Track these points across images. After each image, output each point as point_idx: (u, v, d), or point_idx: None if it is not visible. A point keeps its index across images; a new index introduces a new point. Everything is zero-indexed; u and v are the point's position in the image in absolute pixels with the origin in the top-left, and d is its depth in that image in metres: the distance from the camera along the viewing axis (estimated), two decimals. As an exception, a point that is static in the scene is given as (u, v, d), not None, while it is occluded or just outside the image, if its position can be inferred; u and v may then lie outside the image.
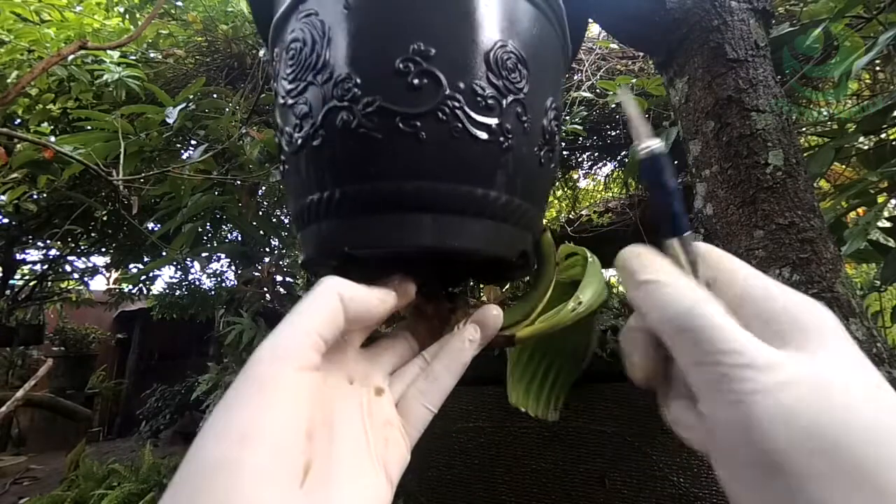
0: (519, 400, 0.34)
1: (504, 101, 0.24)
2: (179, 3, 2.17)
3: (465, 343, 0.27)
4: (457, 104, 0.23)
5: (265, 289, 2.49)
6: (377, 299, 0.24)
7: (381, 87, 0.23)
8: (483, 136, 0.24)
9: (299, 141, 0.25)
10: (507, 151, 0.25)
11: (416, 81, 0.23)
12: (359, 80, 0.23)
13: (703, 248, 0.24)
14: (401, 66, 0.23)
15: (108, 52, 1.61)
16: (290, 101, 0.26)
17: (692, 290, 0.21)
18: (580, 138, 2.36)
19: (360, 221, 0.24)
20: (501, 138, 0.24)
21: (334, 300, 0.22)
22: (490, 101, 0.24)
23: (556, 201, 3.30)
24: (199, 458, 0.18)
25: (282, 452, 0.18)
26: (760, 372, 0.18)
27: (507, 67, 0.24)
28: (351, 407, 0.24)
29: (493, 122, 0.24)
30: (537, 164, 0.27)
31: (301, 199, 0.27)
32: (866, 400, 0.17)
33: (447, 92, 0.23)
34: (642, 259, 0.23)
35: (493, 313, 0.27)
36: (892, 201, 1.37)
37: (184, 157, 1.95)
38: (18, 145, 1.63)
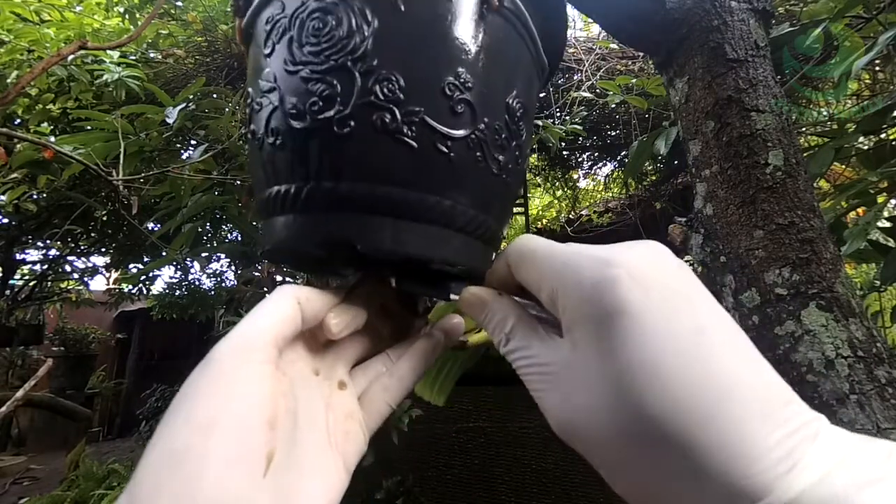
0: (418, 388, 0.37)
1: (511, 144, 0.28)
2: (179, 3, 2.17)
3: (431, 347, 0.29)
4: (483, 137, 0.26)
5: (265, 289, 2.49)
6: (332, 307, 0.26)
7: (426, 102, 0.24)
8: (494, 170, 0.27)
9: (314, 119, 0.24)
10: (505, 185, 0.28)
11: (458, 107, 0.25)
12: (404, 86, 0.24)
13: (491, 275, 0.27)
14: (447, 88, 0.24)
15: (108, 52, 1.61)
16: (307, 75, 0.24)
17: (503, 314, 0.24)
18: (580, 138, 2.36)
19: (374, 222, 0.24)
20: (504, 175, 0.27)
21: (291, 301, 0.24)
22: (503, 142, 0.27)
23: (556, 201, 3.30)
24: (163, 447, 0.18)
25: (245, 441, 0.19)
26: (543, 370, 0.21)
27: (517, 116, 0.28)
28: (314, 398, 0.25)
29: (502, 159, 0.27)
30: (514, 196, 0.32)
31: (292, 181, 0.25)
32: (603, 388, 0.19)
33: (479, 125, 0.25)
34: (474, 306, 0.26)
35: (456, 321, 0.30)
36: (892, 201, 1.37)
37: (184, 157, 1.95)
38: (18, 145, 1.63)
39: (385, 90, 0.23)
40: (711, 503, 0.16)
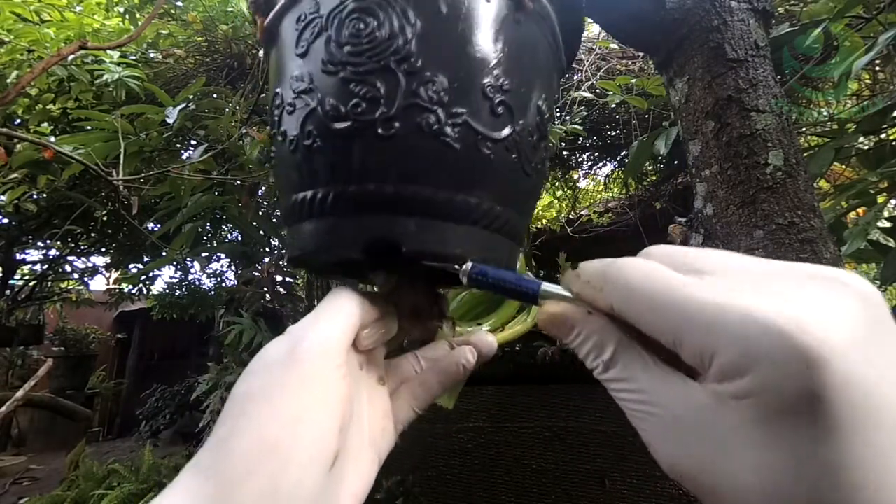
0: None
1: (541, 145, 0.28)
2: (179, 3, 2.17)
3: (460, 366, 0.29)
4: (518, 139, 0.26)
5: (265, 289, 2.49)
6: (376, 318, 0.26)
7: (468, 103, 0.24)
8: (527, 171, 0.27)
9: (357, 121, 0.24)
10: (534, 185, 0.29)
11: (498, 109, 0.25)
12: (447, 87, 0.24)
13: (577, 284, 0.22)
14: (487, 90, 0.25)
15: (108, 52, 1.61)
16: (349, 76, 0.24)
17: (604, 336, 0.21)
18: (580, 138, 2.36)
19: (420, 224, 0.24)
20: (534, 175, 0.28)
21: (355, 307, 0.25)
22: (535, 143, 0.27)
23: (556, 201, 3.30)
24: (256, 435, 0.19)
25: (322, 442, 0.21)
26: (659, 411, 0.18)
27: (545, 117, 0.28)
28: (361, 392, 0.26)
29: (533, 160, 0.27)
30: (538, 196, 0.33)
31: (332, 184, 0.25)
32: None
33: (515, 127, 0.25)
34: (565, 319, 0.22)
35: (489, 340, 0.30)
36: (892, 201, 1.37)
37: (184, 157, 1.95)
38: (18, 145, 1.63)
39: (430, 92, 0.23)
40: None
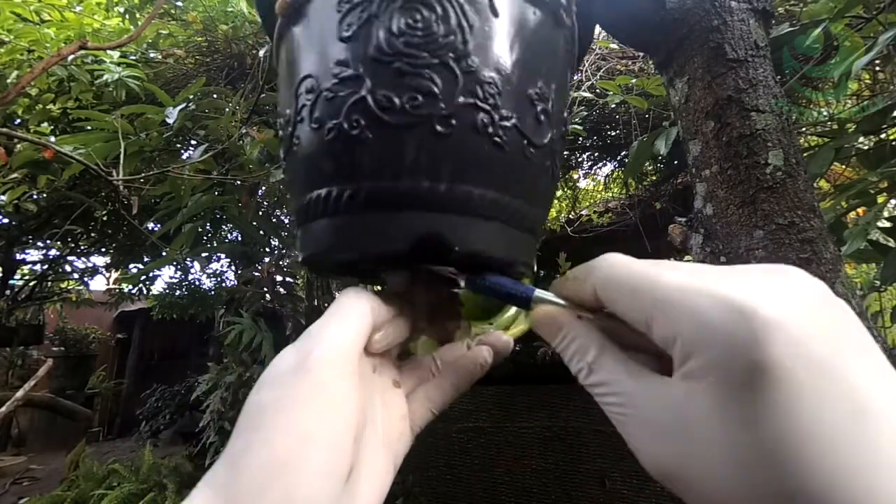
0: None
1: (562, 152, 0.30)
2: (179, 3, 2.17)
3: (477, 366, 0.29)
4: (552, 147, 0.27)
5: (265, 289, 2.49)
6: (388, 319, 0.26)
7: (517, 108, 0.25)
8: (555, 176, 0.29)
9: (412, 115, 0.23)
10: (555, 189, 0.31)
11: (541, 117, 0.26)
12: (500, 91, 0.24)
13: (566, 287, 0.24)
14: (533, 97, 0.25)
15: (108, 52, 1.61)
16: (404, 68, 0.23)
17: (587, 342, 0.22)
18: (580, 138, 2.36)
19: (471, 224, 0.24)
20: (556, 180, 0.30)
21: (368, 310, 0.24)
22: (560, 150, 0.29)
23: (556, 201, 3.31)
24: (267, 454, 0.19)
25: (336, 454, 0.20)
26: (639, 413, 0.19)
27: (567, 126, 0.30)
28: (374, 396, 0.25)
29: (557, 166, 0.29)
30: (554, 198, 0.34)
31: (380, 178, 0.24)
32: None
33: (551, 135, 0.26)
34: (552, 326, 0.24)
35: (505, 339, 0.30)
36: (892, 201, 1.37)
37: (184, 157, 1.95)
38: (18, 145, 1.63)
39: (486, 92, 0.23)
40: None
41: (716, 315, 0.16)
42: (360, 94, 0.23)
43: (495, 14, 0.24)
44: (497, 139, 0.24)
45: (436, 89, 0.23)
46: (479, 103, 0.23)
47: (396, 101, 0.23)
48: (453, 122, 0.23)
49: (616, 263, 0.21)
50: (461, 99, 0.23)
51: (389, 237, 0.24)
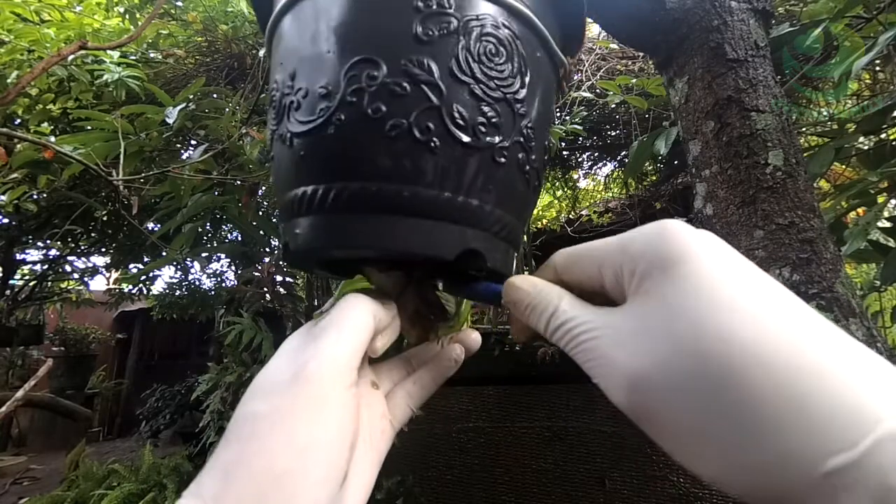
0: None
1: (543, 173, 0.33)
2: (179, 3, 2.17)
3: (451, 361, 0.31)
4: (541, 172, 0.31)
5: (265, 289, 2.49)
6: (387, 324, 0.27)
7: (539, 152, 0.29)
8: (538, 194, 0.32)
9: (480, 140, 0.25)
10: (535, 191, 0.32)
11: (545, 159, 0.31)
12: (533, 136, 0.28)
13: (525, 279, 0.26)
14: (546, 144, 0.31)
15: (108, 52, 1.61)
16: (479, 94, 0.25)
17: (549, 295, 0.24)
18: (580, 138, 2.36)
19: (496, 241, 0.27)
20: (537, 195, 0.32)
21: (370, 319, 0.24)
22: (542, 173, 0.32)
23: (556, 201, 3.30)
24: (266, 467, 0.19)
25: (333, 464, 0.21)
26: (601, 333, 0.20)
27: (545, 146, 0.31)
28: (361, 402, 0.25)
29: (538, 186, 0.32)
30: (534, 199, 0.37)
31: (435, 187, 0.24)
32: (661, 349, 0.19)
33: (545, 164, 0.31)
34: (520, 291, 0.25)
35: (474, 336, 0.32)
36: (892, 201, 1.37)
37: (184, 157, 1.95)
38: (18, 145, 1.63)
39: (529, 133, 0.27)
40: (803, 443, 0.14)
41: (638, 237, 0.20)
42: (436, 104, 0.24)
43: (537, 71, 0.28)
44: (527, 175, 0.27)
45: (500, 122, 0.25)
46: (523, 142, 0.27)
47: (468, 122, 0.24)
48: (506, 154, 0.26)
49: (566, 249, 0.25)
50: (515, 136, 0.26)
51: (437, 244, 0.25)
